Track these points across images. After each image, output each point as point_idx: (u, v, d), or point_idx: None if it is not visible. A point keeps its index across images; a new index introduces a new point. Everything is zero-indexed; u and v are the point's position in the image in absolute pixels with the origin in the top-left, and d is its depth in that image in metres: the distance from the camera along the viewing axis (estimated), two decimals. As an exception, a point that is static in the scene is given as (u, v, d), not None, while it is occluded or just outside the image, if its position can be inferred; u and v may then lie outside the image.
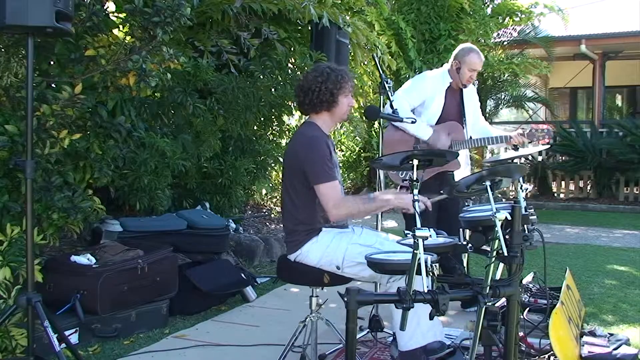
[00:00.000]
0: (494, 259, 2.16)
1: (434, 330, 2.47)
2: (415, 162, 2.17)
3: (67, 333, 2.88)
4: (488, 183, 2.26)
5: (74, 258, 3.31)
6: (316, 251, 2.62)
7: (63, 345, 2.58)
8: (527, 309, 3.20)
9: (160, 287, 3.51)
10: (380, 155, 3.42)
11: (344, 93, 2.70)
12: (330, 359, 2.98)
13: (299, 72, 5.16)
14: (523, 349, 2.86)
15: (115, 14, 3.87)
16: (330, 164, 2.59)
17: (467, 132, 3.72)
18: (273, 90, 4.99)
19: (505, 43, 10.29)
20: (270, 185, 7.22)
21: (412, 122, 3.20)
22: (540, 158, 11.03)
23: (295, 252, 2.66)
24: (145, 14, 3.12)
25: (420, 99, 3.68)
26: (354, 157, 10.84)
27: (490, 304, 2.11)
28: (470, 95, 3.82)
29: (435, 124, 3.67)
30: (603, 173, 10.25)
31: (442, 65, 3.97)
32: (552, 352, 2.74)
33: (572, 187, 10.81)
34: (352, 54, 5.53)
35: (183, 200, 5.20)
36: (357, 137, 10.42)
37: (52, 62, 3.43)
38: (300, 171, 2.60)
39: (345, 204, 2.56)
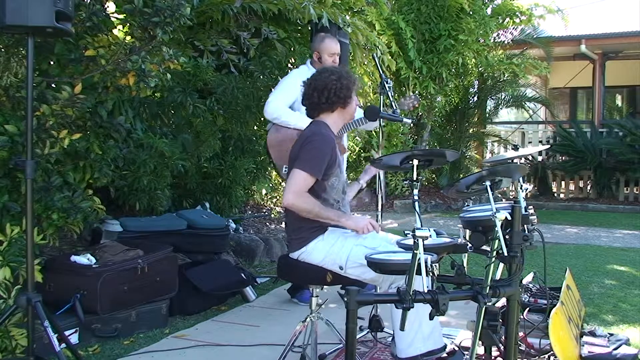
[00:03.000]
0: (494, 259, 2.16)
1: (434, 338, 2.43)
2: (415, 162, 2.17)
3: (67, 333, 2.88)
4: (488, 183, 2.26)
5: (74, 258, 3.31)
6: (321, 249, 2.60)
7: (63, 345, 2.58)
8: (527, 309, 3.20)
9: (160, 287, 3.50)
10: (380, 154, 3.43)
11: (355, 90, 2.75)
12: (330, 359, 2.98)
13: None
14: (523, 349, 2.86)
15: (115, 14, 3.87)
16: (323, 163, 2.55)
17: None
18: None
19: (505, 43, 10.30)
20: (270, 185, 7.22)
21: (413, 123, 3.21)
22: (540, 158, 11.03)
23: (300, 249, 2.64)
24: (145, 14, 3.12)
25: (292, 96, 3.76)
26: (354, 157, 10.84)
27: (490, 304, 2.11)
28: None
29: None
30: (603, 173, 10.26)
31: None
32: (552, 352, 2.74)
33: (572, 187, 10.81)
34: (352, 54, 5.52)
35: (183, 200, 5.20)
36: (357, 137, 10.43)
37: (52, 62, 3.42)
38: None
39: (307, 199, 2.52)
